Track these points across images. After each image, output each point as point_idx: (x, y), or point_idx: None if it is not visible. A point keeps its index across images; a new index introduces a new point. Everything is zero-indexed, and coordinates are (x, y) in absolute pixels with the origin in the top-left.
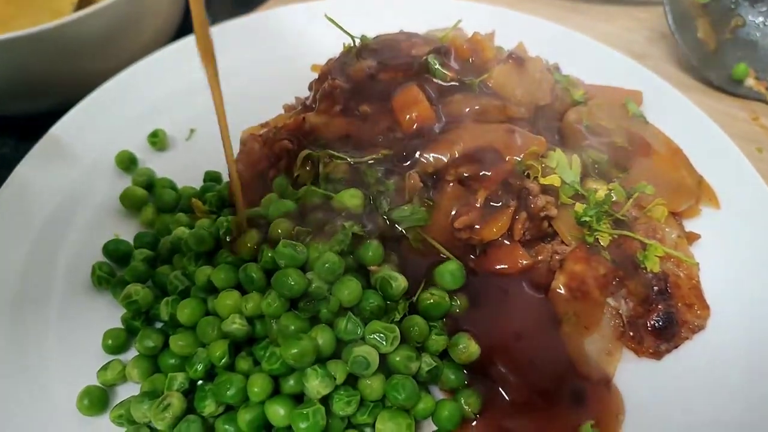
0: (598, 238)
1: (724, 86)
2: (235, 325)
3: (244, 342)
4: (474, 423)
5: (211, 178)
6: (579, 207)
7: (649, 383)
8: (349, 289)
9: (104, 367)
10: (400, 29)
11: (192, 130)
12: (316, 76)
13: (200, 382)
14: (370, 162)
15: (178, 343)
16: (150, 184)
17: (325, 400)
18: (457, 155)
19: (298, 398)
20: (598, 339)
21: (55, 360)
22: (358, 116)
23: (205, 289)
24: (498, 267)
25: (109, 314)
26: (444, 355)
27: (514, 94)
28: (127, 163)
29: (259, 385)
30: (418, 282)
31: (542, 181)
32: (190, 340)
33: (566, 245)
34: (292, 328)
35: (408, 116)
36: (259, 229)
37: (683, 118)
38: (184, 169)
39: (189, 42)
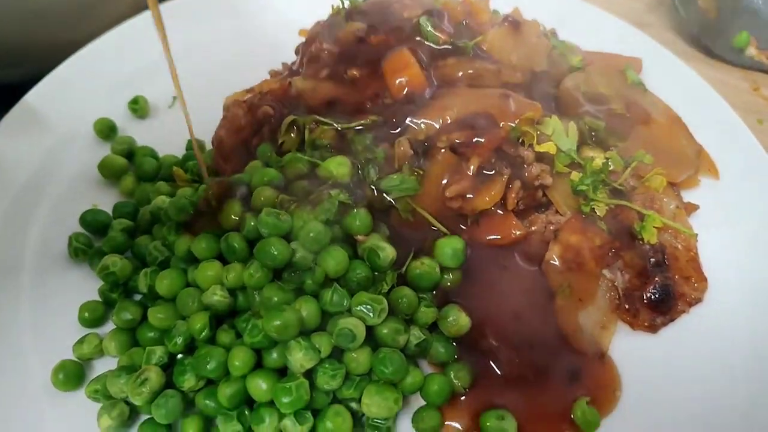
0: (594, 208)
1: (725, 55)
2: (216, 296)
3: (225, 315)
4: (463, 398)
5: None
6: (575, 176)
7: (644, 357)
8: (336, 259)
9: (80, 341)
10: None
11: (175, 98)
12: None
13: (180, 356)
14: (358, 128)
15: (157, 315)
16: (130, 152)
17: (309, 374)
18: (449, 121)
19: (282, 372)
20: (593, 312)
21: (28, 334)
22: (347, 81)
23: (185, 260)
24: (490, 237)
25: (87, 287)
26: (433, 328)
27: (509, 58)
28: (107, 131)
29: (240, 359)
30: (407, 253)
31: (537, 148)
32: (170, 313)
33: (561, 215)
34: (276, 299)
35: (398, 81)
36: (242, 198)
37: (683, 86)
38: (167, 137)
39: (172, 6)
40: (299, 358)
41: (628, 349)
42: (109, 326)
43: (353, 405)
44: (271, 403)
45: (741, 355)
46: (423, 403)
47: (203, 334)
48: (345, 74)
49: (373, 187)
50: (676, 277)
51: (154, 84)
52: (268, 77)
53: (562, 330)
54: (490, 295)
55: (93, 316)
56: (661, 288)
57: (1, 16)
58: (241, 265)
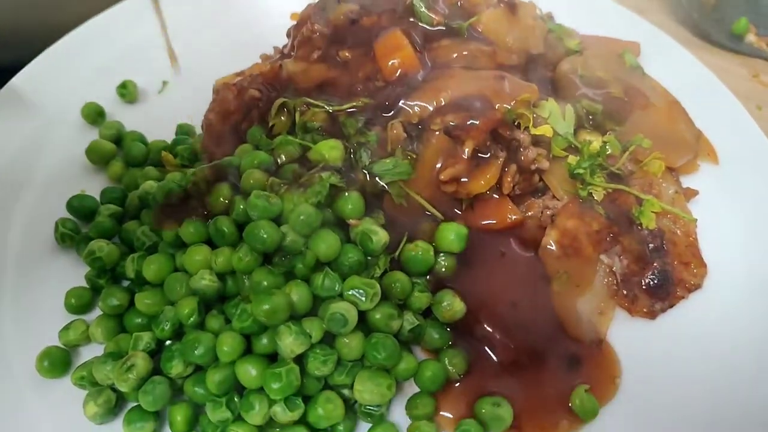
0: (591, 193)
1: (724, 42)
2: (205, 281)
3: (214, 300)
4: (458, 384)
5: (184, 131)
6: (572, 159)
7: (642, 344)
8: (327, 243)
9: (66, 327)
10: None
11: (165, 83)
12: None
13: (168, 342)
14: (350, 110)
15: (145, 301)
16: (118, 137)
17: (300, 360)
18: (443, 103)
19: (272, 358)
20: (591, 298)
21: (12, 321)
22: (338, 63)
23: (173, 245)
24: (486, 222)
25: (73, 273)
26: (427, 313)
27: (504, 40)
28: (94, 115)
29: (229, 344)
30: (400, 238)
31: (534, 131)
32: (157, 298)
33: (558, 200)
34: (265, 283)
35: (391, 63)
36: (232, 182)
37: (682, 70)
38: (155, 122)
39: None
40: (289, 343)
41: (626, 335)
42: (96, 312)
43: (345, 392)
44: (260, 390)
45: (741, 342)
46: (417, 389)
47: (191, 319)
48: (337, 56)
49: (366, 172)
50: (675, 262)
51: (143, 68)
52: (260, 61)
53: (559, 316)
54: (486, 281)
55: (80, 303)
56: (659, 274)
57: None
58: (230, 249)
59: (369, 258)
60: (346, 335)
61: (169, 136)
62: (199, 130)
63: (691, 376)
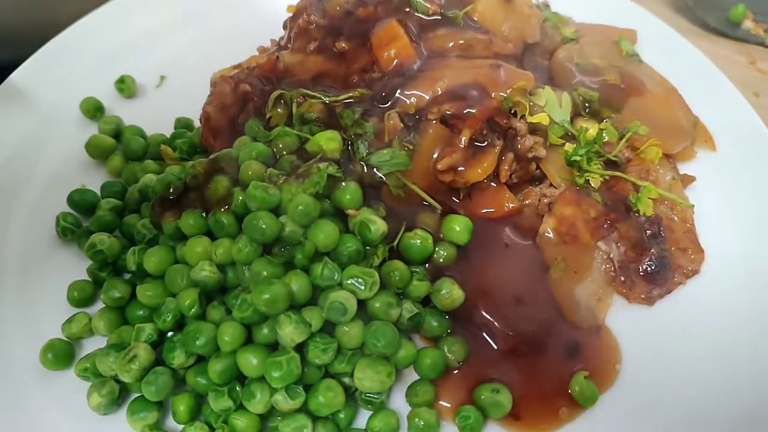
0: (588, 180)
1: (722, 28)
2: (205, 272)
3: (215, 291)
4: (457, 372)
5: (183, 125)
6: (569, 147)
7: (640, 330)
8: (325, 232)
9: (69, 320)
10: None
11: (162, 77)
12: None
13: (170, 333)
14: (346, 101)
15: (146, 293)
16: (117, 132)
17: (300, 349)
18: (439, 92)
19: (272, 348)
20: (588, 284)
21: (16, 314)
22: (335, 54)
23: (173, 237)
24: (484, 211)
25: (75, 266)
26: (426, 301)
27: (500, 29)
28: (93, 110)
29: (229, 334)
30: (398, 227)
31: (530, 119)
32: (159, 290)
33: (555, 188)
34: (265, 274)
35: (387, 53)
36: (230, 173)
37: (679, 57)
38: (154, 116)
39: None
40: (289, 332)
41: (624, 321)
42: (99, 305)
43: (346, 380)
44: (262, 379)
45: (739, 327)
46: (416, 377)
47: (192, 310)
48: (333, 47)
49: (363, 163)
50: (673, 248)
51: (141, 64)
52: (257, 53)
53: (557, 303)
54: (484, 269)
55: (82, 296)
56: (657, 260)
57: None
58: (230, 241)
59: (367, 247)
60: (346, 324)
61: (167, 130)
62: (197, 124)
63: (689, 362)
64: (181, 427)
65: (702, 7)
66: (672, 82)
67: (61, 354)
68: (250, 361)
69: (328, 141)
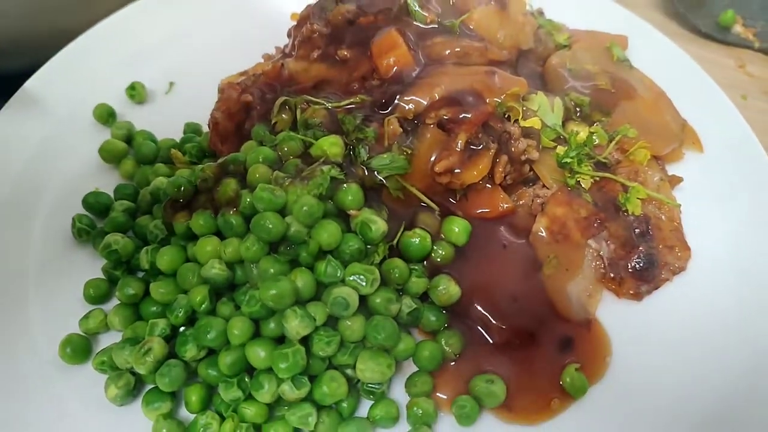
0: (579, 181)
1: (712, 33)
2: (215, 270)
3: (225, 288)
4: (454, 363)
5: (192, 130)
6: (560, 150)
7: (629, 324)
8: (328, 232)
9: (86, 316)
10: None
11: (172, 84)
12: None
13: (182, 328)
14: (348, 107)
15: (159, 290)
16: (129, 137)
17: (306, 342)
18: (437, 98)
19: (279, 341)
20: (580, 281)
21: (38, 312)
22: (337, 61)
23: (184, 237)
24: (479, 211)
25: (91, 266)
26: (425, 297)
27: (495, 36)
28: (106, 116)
29: (239, 328)
30: (398, 227)
31: (523, 123)
32: (171, 287)
33: (548, 189)
34: (272, 271)
35: (386, 61)
36: (238, 176)
37: (668, 62)
38: (164, 121)
39: None
40: (295, 325)
41: (614, 316)
42: (114, 302)
43: (348, 371)
44: (269, 370)
45: (724, 321)
46: (415, 369)
47: (203, 306)
48: (336, 55)
49: (364, 166)
50: (660, 246)
51: (151, 71)
52: (262, 60)
53: (550, 298)
54: (480, 266)
55: (97, 293)
56: (645, 257)
57: (1, 8)
58: (238, 240)
59: (369, 246)
60: (348, 318)
61: (177, 135)
62: (205, 129)
63: (675, 355)
64: (193, 416)
65: (693, 12)
66: (661, 85)
67: (78, 348)
68: (258, 354)
69: (331, 146)
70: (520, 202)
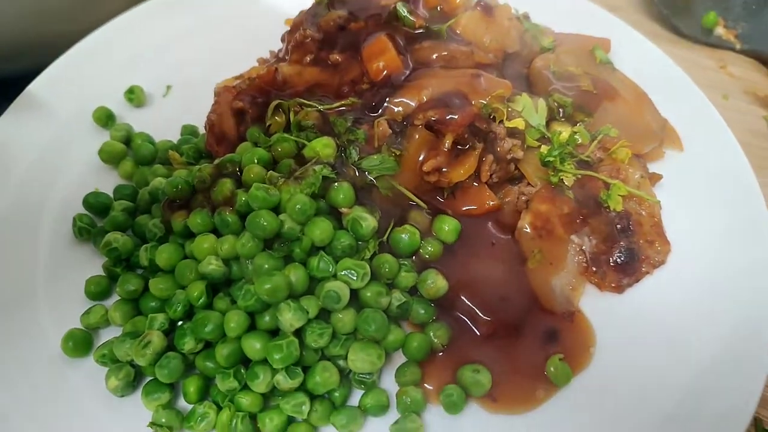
0: (562, 179)
1: (695, 35)
2: (212, 266)
3: (221, 283)
4: (442, 354)
5: (189, 132)
6: (545, 149)
7: (611, 316)
8: (321, 228)
9: (87, 312)
10: None
11: (169, 87)
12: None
13: (180, 322)
14: (339, 110)
15: (158, 286)
16: (128, 138)
17: (299, 334)
18: (425, 100)
19: (274, 334)
20: (563, 274)
21: (44, 308)
22: (329, 65)
23: (182, 235)
24: (466, 208)
25: (91, 264)
26: (414, 291)
27: (482, 40)
28: (105, 119)
29: (235, 321)
30: (388, 223)
31: (508, 124)
32: (169, 283)
33: (532, 186)
34: (266, 266)
35: (376, 65)
36: (234, 177)
37: (650, 63)
38: (162, 123)
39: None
40: (289, 318)
41: (597, 308)
42: (114, 298)
43: (340, 362)
44: (264, 361)
45: (701, 312)
46: (404, 359)
47: (201, 301)
48: (328, 59)
49: (355, 167)
50: (641, 241)
51: (149, 74)
52: (257, 64)
53: (534, 291)
54: (467, 261)
55: (98, 290)
56: (626, 252)
57: (2, 12)
58: (234, 237)
59: (359, 242)
60: (340, 311)
61: (174, 137)
62: (202, 130)
63: (656, 344)
64: (191, 406)
65: (676, 14)
66: (643, 86)
67: (80, 342)
68: (254, 346)
69: (324, 147)
70: (506, 200)
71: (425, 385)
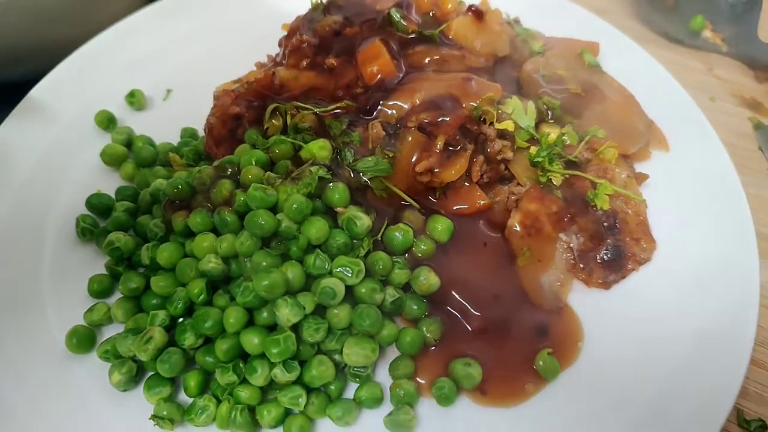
0: (551, 179)
1: (682, 38)
2: (212, 263)
3: (220, 281)
4: (434, 348)
5: (188, 134)
6: (533, 149)
7: (598, 311)
8: (317, 227)
9: (90, 309)
10: None
11: (169, 91)
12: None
13: (181, 318)
14: (335, 112)
15: (159, 283)
16: (129, 141)
17: (296, 329)
18: (417, 103)
19: (271, 329)
20: (552, 271)
21: (48, 306)
22: (325, 70)
23: (182, 234)
24: (458, 207)
25: (94, 263)
26: (407, 288)
27: (473, 45)
28: (106, 122)
29: (234, 317)
30: (382, 222)
31: (498, 126)
32: (170, 281)
33: (522, 186)
34: (264, 264)
35: (370, 69)
36: (233, 178)
37: (637, 66)
38: (162, 126)
39: (163, 5)
40: (286, 313)
41: (584, 304)
42: (116, 296)
43: (336, 356)
44: (262, 356)
45: (686, 308)
46: (398, 353)
47: (201, 297)
48: (323, 64)
49: (350, 168)
50: (627, 239)
51: (149, 79)
52: (255, 68)
53: (524, 288)
54: (458, 258)
55: (101, 288)
56: (613, 249)
57: (3, 18)
58: (233, 236)
59: (354, 240)
60: (336, 307)
61: (175, 139)
62: (201, 133)
63: (642, 339)
64: (191, 399)
65: (664, 18)
66: (630, 89)
67: (83, 339)
68: (252, 341)
69: (320, 149)
70: (497, 199)
71: (418, 378)
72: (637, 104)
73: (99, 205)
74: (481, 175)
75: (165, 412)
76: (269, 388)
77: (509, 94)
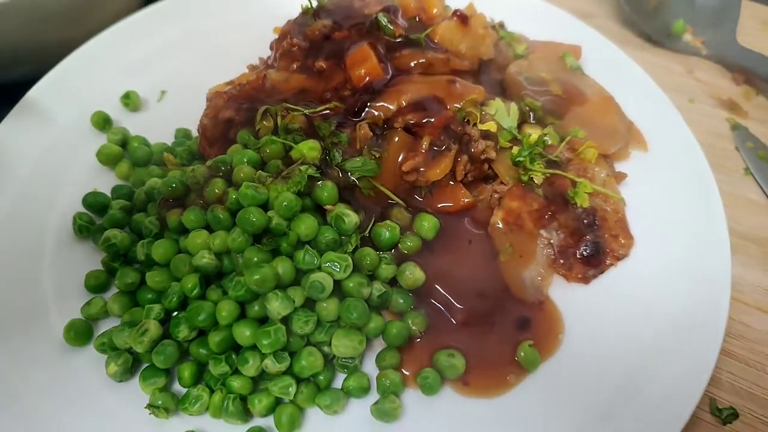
0: (532, 177)
1: (663, 41)
2: (205, 259)
3: (213, 275)
4: (419, 340)
5: (182, 135)
6: (515, 149)
7: (577, 305)
8: (306, 224)
9: (87, 303)
10: None
11: (163, 92)
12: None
13: (175, 312)
14: (324, 113)
15: (154, 278)
16: (124, 141)
17: (286, 321)
18: (403, 104)
19: (262, 322)
20: (533, 267)
21: (48, 300)
22: (315, 72)
23: (177, 231)
24: (442, 205)
25: (90, 259)
26: (393, 282)
27: (458, 48)
28: (102, 123)
29: (226, 310)
30: (369, 219)
31: (481, 126)
32: (165, 276)
33: (505, 185)
34: (255, 259)
35: (359, 72)
36: (225, 177)
37: (618, 69)
38: (157, 127)
39: (158, 8)
40: (276, 306)
41: (564, 298)
42: (112, 291)
43: (324, 347)
44: (253, 347)
45: (662, 302)
46: (384, 345)
47: (194, 292)
48: (313, 66)
49: (339, 168)
50: (606, 235)
51: (144, 80)
52: (247, 71)
53: (506, 282)
54: (443, 254)
55: (98, 283)
56: (592, 245)
57: (2, 19)
58: (226, 233)
59: (342, 237)
60: (324, 300)
61: (169, 139)
62: (195, 134)
63: (620, 332)
64: (185, 389)
65: (646, 22)
66: (611, 90)
67: (81, 332)
68: (244, 333)
69: (310, 149)
70: (480, 197)
71: (403, 369)
72: (617, 105)
73: (95, 204)
74: (465, 174)
75: (160, 402)
76: (260, 378)
77: (493, 96)
